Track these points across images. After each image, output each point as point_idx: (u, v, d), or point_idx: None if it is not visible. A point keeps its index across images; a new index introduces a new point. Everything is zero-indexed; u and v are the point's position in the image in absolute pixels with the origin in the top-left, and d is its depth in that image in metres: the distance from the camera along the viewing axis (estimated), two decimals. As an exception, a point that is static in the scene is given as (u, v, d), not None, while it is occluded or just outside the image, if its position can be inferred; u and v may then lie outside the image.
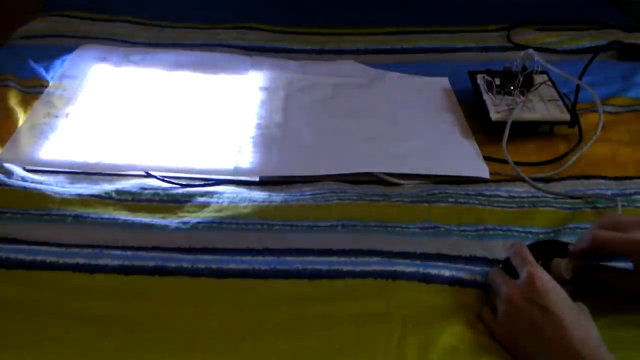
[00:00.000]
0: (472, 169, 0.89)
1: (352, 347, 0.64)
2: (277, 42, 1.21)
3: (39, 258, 0.73)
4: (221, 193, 0.85)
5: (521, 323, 0.61)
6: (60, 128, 0.96)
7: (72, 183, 0.87)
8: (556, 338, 0.59)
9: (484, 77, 1.00)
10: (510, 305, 0.63)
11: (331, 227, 0.79)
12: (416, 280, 0.71)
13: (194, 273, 0.72)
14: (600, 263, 0.70)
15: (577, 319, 0.60)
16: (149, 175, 0.88)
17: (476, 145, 0.94)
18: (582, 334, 0.59)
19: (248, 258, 0.74)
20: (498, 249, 0.75)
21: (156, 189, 0.86)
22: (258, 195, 0.85)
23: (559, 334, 0.59)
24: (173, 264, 0.73)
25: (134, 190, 0.85)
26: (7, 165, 0.87)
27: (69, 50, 1.14)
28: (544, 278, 0.62)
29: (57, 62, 1.10)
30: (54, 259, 0.73)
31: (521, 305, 0.62)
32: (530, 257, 0.66)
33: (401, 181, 0.88)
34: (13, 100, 1.01)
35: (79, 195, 0.83)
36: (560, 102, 0.97)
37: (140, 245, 0.75)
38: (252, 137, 0.95)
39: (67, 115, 0.99)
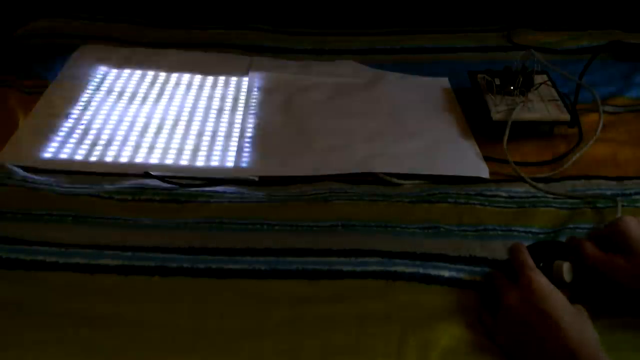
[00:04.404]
0: (472, 169, 0.89)
1: (352, 347, 0.64)
2: (277, 42, 1.21)
3: (39, 258, 0.73)
4: (221, 193, 0.85)
5: (519, 326, 0.62)
6: (60, 128, 0.96)
7: (72, 183, 0.87)
8: (553, 341, 0.59)
9: (484, 77, 1.00)
10: (508, 309, 0.63)
11: (331, 227, 0.79)
12: (416, 281, 0.71)
13: (194, 273, 0.72)
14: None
15: (574, 322, 0.60)
16: (149, 175, 0.89)
17: (476, 145, 0.94)
18: (580, 336, 0.59)
19: (248, 258, 0.74)
20: (498, 249, 0.75)
21: (156, 189, 0.86)
22: (258, 195, 0.85)
23: (556, 337, 0.59)
24: (173, 264, 0.73)
25: (134, 190, 0.85)
26: (7, 165, 0.87)
27: (69, 50, 1.14)
28: (542, 282, 0.62)
29: (57, 62, 1.10)
30: (54, 259, 0.73)
31: (519, 308, 0.62)
32: (529, 260, 0.66)
33: (401, 181, 0.88)
34: (13, 101, 1.01)
35: (79, 195, 0.83)
36: (560, 102, 0.97)
37: (140, 245, 0.76)
38: (252, 137, 0.95)
39: (67, 115, 0.99)
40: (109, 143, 0.94)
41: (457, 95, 1.05)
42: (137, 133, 0.96)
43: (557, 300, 0.61)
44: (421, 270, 0.72)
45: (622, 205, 0.82)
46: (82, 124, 0.97)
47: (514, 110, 0.94)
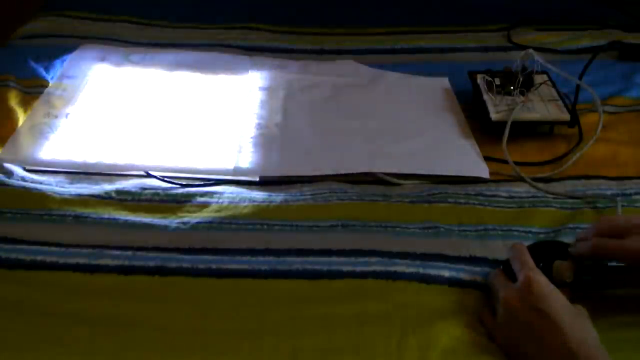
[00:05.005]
0: (472, 169, 0.89)
1: (352, 347, 0.64)
2: (277, 42, 1.21)
3: (39, 258, 0.73)
4: (221, 193, 0.85)
5: (519, 326, 0.62)
6: (60, 128, 0.96)
7: (72, 183, 0.87)
8: (553, 341, 0.59)
9: (484, 77, 1.00)
10: (507, 309, 0.63)
11: (331, 227, 0.79)
12: (416, 281, 0.70)
13: (194, 273, 0.72)
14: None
15: (574, 322, 0.60)
16: (149, 175, 0.88)
17: (476, 145, 0.94)
18: (580, 336, 0.59)
19: (248, 258, 0.74)
20: (498, 249, 0.75)
21: (156, 189, 0.86)
22: (258, 195, 0.85)
23: (556, 336, 0.59)
24: (173, 264, 0.73)
25: (134, 190, 0.85)
26: (7, 165, 0.87)
27: (69, 50, 1.14)
28: (542, 282, 0.62)
29: (57, 62, 1.10)
30: (54, 259, 0.73)
31: (519, 308, 0.62)
32: (529, 260, 0.66)
33: (401, 181, 0.88)
34: (13, 101, 1.01)
35: (79, 195, 0.83)
36: (560, 102, 0.97)
37: (140, 245, 0.75)
38: (252, 137, 0.95)
39: (67, 115, 0.99)
40: (108, 143, 0.94)
41: (457, 95, 1.05)
42: (137, 133, 0.96)
43: (557, 300, 0.61)
44: (421, 270, 0.72)
45: (622, 205, 0.82)
46: (82, 124, 0.97)
47: (513, 110, 0.94)
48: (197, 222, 0.79)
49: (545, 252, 0.69)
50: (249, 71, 1.11)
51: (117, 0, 1.32)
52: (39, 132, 0.95)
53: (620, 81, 1.07)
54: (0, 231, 0.77)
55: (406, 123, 0.99)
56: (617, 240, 0.66)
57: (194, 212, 0.82)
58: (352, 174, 0.88)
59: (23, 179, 0.86)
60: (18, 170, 0.87)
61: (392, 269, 0.72)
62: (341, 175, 0.88)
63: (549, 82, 1.01)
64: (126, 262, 0.73)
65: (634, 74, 1.08)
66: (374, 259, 0.73)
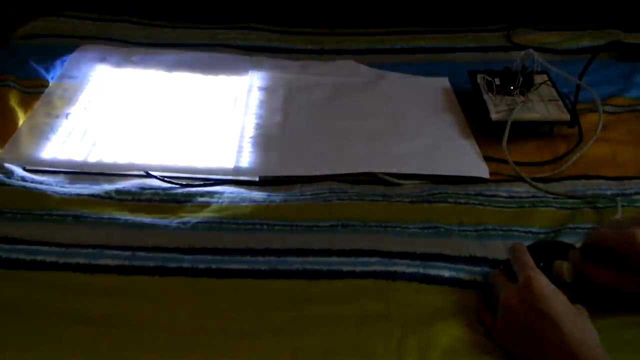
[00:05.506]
0: (472, 169, 0.89)
1: (352, 347, 0.64)
2: (277, 42, 1.21)
3: (39, 258, 0.73)
4: (221, 193, 0.85)
5: (519, 326, 0.61)
6: (60, 128, 0.96)
7: (72, 183, 0.87)
8: (554, 341, 0.59)
9: (484, 77, 1.00)
10: (508, 309, 0.63)
11: (331, 227, 0.79)
12: (416, 281, 0.71)
13: (194, 273, 0.72)
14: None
15: (574, 322, 0.60)
16: (149, 175, 0.89)
17: (476, 145, 0.94)
18: (580, 336, 0.59)
19: (248, 258, 0.74)
20: (498, 249, 0.75)
21: (156, 189, 0.86)
22: (258, 195, 0.85)
23: (556, 337, 0.59)
24: (173, 264, 0.73)
25: (134, 190, 0.85)
26: (7, 165, 0.88)
27: (69, 50, 1.14)
28: (542, 282, 0.62)
29: (57, 62, 1.10)
30: (54, 259, 0.73)
31: (519, 308, 0.62)
32: (530, 260, 0.66)
33: (401, 181, 0.88)
34: (13, 101, 1.01)
35: (79, 195, 0.83)
36: (560, 102, 0.97)
37: (140, 245, 0.76)
38: (252, 137, 0.95)
39: (67, 115, 0.99)
40: (109, 143, 0.94)
41: (457, 95, 1.05)
42: (137, 133, 0.96)
43: (557, 300, 0.61)
44: (421, 270, 0.72)
45: (622, 205, 0.82)
46: (82, 124, 0.97)
47: (513, 110, 0.94)
48: (197, 222, 0.79)
49: (545, 252, 0.69)
50: (249, 71, 1.11)
51: (117, 0, 1.32)
52: (40, 132, 0.95)
53: (620, 81, 1.07)
54: (0, 231, 0.77)
55: (406, 123, 0.99)
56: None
57: (194, 212, 0.82)
58: (352, 174, 0.88)
59: (23, 179, 0.86)
60: (18, 170, 0.87)
61: (392, 269, 0.72)
62: (341, 175, 0.88)
63: (549, 82, 1.01)
64: (126, 262, 0.73)
65: (634, 74, 1.08)
66: (374, 259, 0.73)
